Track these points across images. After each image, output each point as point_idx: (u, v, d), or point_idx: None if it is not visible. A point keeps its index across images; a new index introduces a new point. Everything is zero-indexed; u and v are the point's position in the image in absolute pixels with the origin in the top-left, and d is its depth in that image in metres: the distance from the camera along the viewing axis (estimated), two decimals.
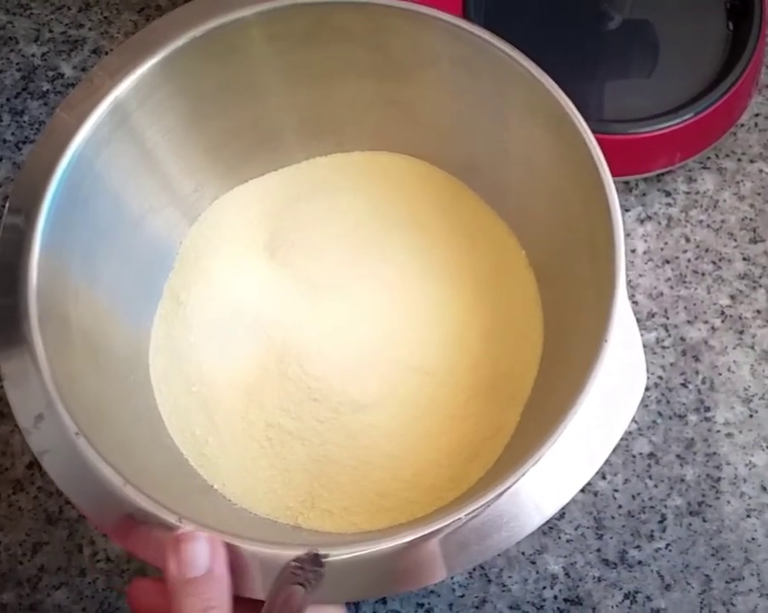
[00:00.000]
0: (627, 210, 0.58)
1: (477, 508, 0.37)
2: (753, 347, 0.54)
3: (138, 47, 0.47)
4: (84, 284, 0.45)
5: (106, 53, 0.65)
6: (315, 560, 0.33)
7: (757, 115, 0.61)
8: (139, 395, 0.48)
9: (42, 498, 0.52)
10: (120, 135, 0.46)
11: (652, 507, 0.51)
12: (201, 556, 0.36)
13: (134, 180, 0.48)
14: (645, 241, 0.57)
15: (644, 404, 0.53)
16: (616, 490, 0.51)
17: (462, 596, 0.50)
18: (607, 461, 0.40)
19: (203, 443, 0.47)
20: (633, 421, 0.52)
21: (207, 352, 0.49)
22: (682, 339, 0.55)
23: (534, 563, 0.50)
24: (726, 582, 0.49)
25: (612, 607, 0.49)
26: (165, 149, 0.49)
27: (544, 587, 0.50)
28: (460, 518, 0.37)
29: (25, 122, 0.62)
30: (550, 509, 0.38)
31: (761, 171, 0.59)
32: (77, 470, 0.38)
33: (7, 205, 0.43)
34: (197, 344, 0.50)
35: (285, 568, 0.34)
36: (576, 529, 0.51)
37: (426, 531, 0.36)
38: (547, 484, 0.38)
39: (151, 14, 0.67)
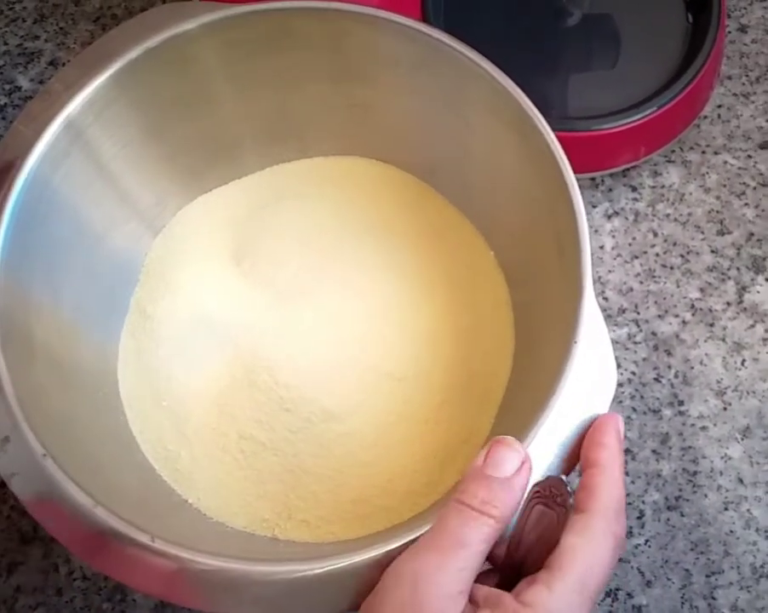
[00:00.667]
0: (594, 206, 0.58)
1: None
2: (724, 339, 0.54)
3: (93, 59, 0.46)
4: (47, 302, 0.44)
5: (64, 64, 0.65)
6: (557, 484, 0.33)
7: (719, 106, 0.61)
8: (108, 412, 0.47)
9: (15, 517, 0.51)
10: (77, 150, 0.45)
11: (630, 504, 0.51)
12: (508, 463, 0.35)
13: (94, 194, 0.47)
14: (613, 236, 0.57)
15: (617, 400, 0.53)
16: None
17: None
18: None
19: (175, 457, 0.47)
20: None
21: (176, 365, 0.49)
22: (653, 333, 0.55)
23: None
24: (707, 576, 0.49)
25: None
26: (124, 162, 0.48)
27: None
28: None
29: None
30: None
31: (726, 163, 0.60)
32: (46, 492, 0.38)
33: None
34: (166, 357, 0.49)
35: (530, 494, 0.34)
36: None
37: (402, 541, 0.36)
38: None
39: (107, 24, 0.66)
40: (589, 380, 0.39)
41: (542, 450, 0.38)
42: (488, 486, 0.35)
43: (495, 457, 0.36)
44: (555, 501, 0.33)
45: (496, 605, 0.33)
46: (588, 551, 0.34)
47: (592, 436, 0.38)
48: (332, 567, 0.36)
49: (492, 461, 0.36)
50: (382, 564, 0.35)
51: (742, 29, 0.64)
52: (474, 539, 0.34)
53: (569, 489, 0.32)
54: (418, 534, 0.36)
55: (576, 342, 0.39)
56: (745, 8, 0.65)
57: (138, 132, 0.48)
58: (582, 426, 0.38)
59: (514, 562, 0.35)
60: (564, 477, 0.32)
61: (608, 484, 0.36)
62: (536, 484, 0.33)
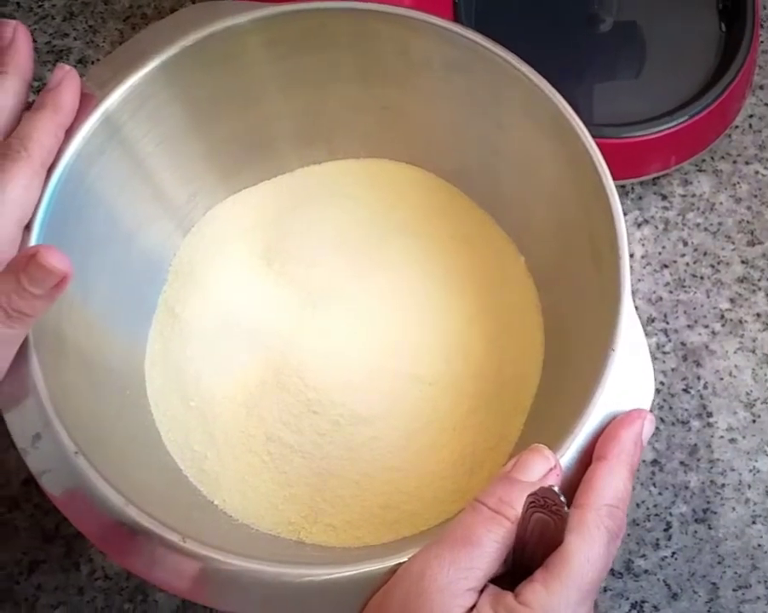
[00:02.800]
0: (623, 214, 0.57)
1: None
2: (753, 351, 0.54)
3: (126, 58, 0.46)
4: (78, 299, 0.44)
5: (92, 62, 0.65)
6: (550, 494, 0.33)
7: (751, 116, 0.61)
8: (135, 411, 0.47)
9: (38, 516, 0.51)
10: (112, 147, 0.45)
11: (657, 515, 0.50)
12: (535, 468, 0.36)
13: (128, 191, 0.47)
14: (643, 245, 0.57)
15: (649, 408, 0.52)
16: None
17: None
18: None
19: (202, 458, 0.46)
20: None
21: (204, 366, 0.49)
22: (683, 344, 0.54)
23: None
24: (733, 590, 0.49)
25: None
26: (158, 159, 0.48)
27: None
28: None
29: None
30: None
31: (757, 173, 0.59)
32: (77, 490, 0.38)
33: None
34: (194, 357, 0.49)
35: (526, 503, 0.34)
36: None
37: None
38: None
39: (136, 23, 0.66)
40: (626, 391, 0.39)
41: (575, 461, 0.38)
42: (509, 487, 0.35)
43: (523, 462, 0.36)
44: (551, 510, 0.33)
45: (496, 603, 0.33)
46: (583, 547, 0.34)
47: (608, 431, 0.38)
48: (361, 571, 0.36)
49: (519, 466, 0.36)
50: None
51: None
52: (486, 538, 0.34)
53: (561, 498, 0.32)
54: None
55: (613, 351, 0.38)
56: None
57: (173, 129, 0.48)
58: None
59: (522, 566, 0.35)
60: (555, 487, 0.32)
61: (607, 479, 0.36)
62: (530, 495, 0.33)
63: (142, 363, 0.49)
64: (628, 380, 0.39)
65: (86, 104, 0.44)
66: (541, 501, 0.32)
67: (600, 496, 0.35)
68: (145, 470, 0.44)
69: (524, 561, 0.35)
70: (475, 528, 0.34)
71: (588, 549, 0.34)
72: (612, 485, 0.36)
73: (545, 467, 0.36)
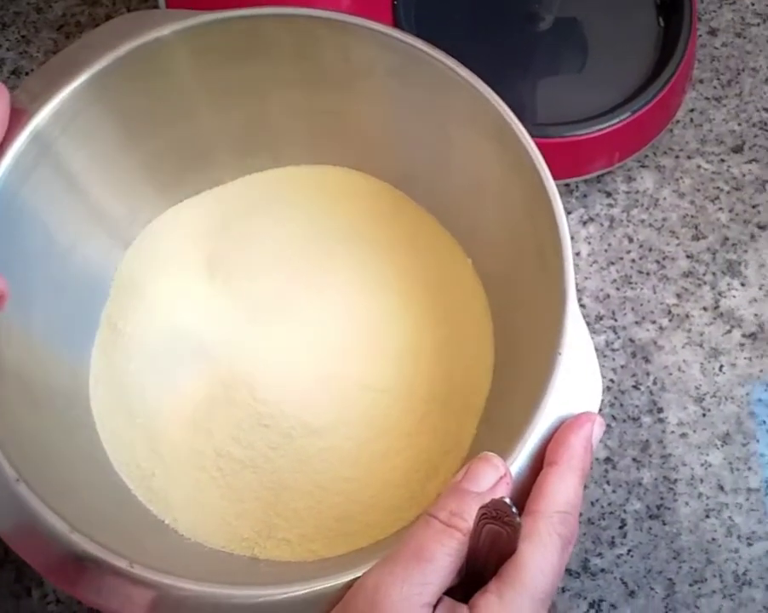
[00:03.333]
0: (569, 213, 0.58)
1: None
2: (701, 345, 0.54)
3: (59, 69, 0.45)
4: (16, 319, 0.43)
5: (26, 73, 0.63)
6: (501, 505, 0.32)
7: (692, 111, 0.61)
8: (81, 431, 0.46)
9: None
10: (44, 163, 0.44)
11: (612, 513, 0.51)
12: (485, 477, 0.36)
13: (63, 207, 0.46)
14: (589, 243, 0.57)
15: (598, 409, 0.52)
16: None
17: None
18: None
19: (149, 476, 0.46)
20: None
21: (149, 382, 0.48)
22: (631, 340, 0.55)
23: None
24: (689, 585, 0.49)
25: None
26: (93, 173, 0.47)
27: None
28: None
29: None
30: None
31: (699, 167, 0.59)
32: (19, 518, 0.37)
33: None
34: (139, 373, 0.48)
35: (478, 515, 0.33)
36: None
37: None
38: None
39: (70, 32, 0.65)
40: (574, 392, 0.39)
41: (527, 464, 0.38)
42: (460, 499, 0.35)
43: (473, 472, 0.36)
44: (503, 521, 0.32)
45: None
46: (536, 555, 0.34)
47: (557, 435, 0.38)
48: (315, 589, 0.35)
49: (469, 476, 0.36)
50: None
51: (713, 32, 0.64)
52: (439, 552, 0.33)
53: (513, 509, 0.31)
54: None
55: (560, 353, 0.38)
56: (714, 12, 0.65)
57: (108, 143, 0.47)
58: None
59: (476, 576, 0.35)
60: (507, 499, 0.32)
61: (558, 485, 0.36)
62: (482, 507, 0.32)
63: (86, 382, 0.47)
64: (576, 382, 0.39)
65: (17, 119, 0.42)
66: (492, 512, 0.32)
67: (552, 503, 0.35)
68: (93, 491, 0.43)
69: (478, 571, 0.34)
70: (428, 543, 0.34)
71: (541, 557, 0.34)
72: (563, 491, 0.36)
73: (495, 476, 0.36)
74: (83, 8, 0.65)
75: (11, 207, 0.42)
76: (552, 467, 0.36)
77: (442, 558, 0.33)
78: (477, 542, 0.33)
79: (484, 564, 0.34)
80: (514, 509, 0.31)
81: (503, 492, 0.35)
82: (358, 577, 0.35)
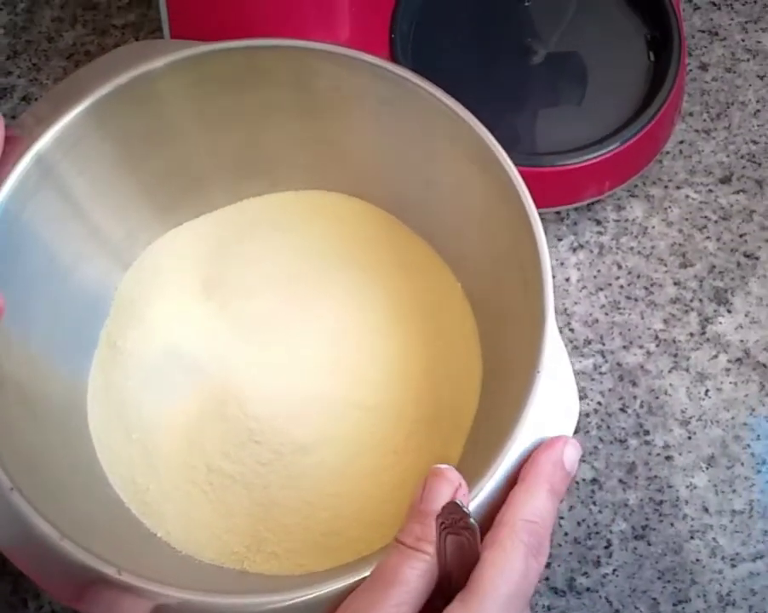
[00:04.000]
0: (559, 240, 0.59)
1: None
2: (687, 370, 0.55)
3: (65, 94, 0.47)
4: (17, 336, 0.44)
5: (36, 100, 0.65)
6: (453, 508, 0.33)
7: (681, 142, 0.63)
8: (77, 445, 0.47)
9: None
10: (47, 186, 0.45)
11: (597, 533, 0.51)
12: (442, 495, 0.36)
13: (64, 229, 0.47)
14: (579, 269, 0.58)
15: (584, 430, 0.54)
16: (561, 517, 0.52)
17: None
18: None
19: (144, 490, 0.47)
20: None
21: (146, 398, 0.49)
22: (619, 364, 0.56)
23: None
24: (674, 605, 0.50)
25: None
26: (94, 196, 0.49)
27: None
28: None
29: None
30: None
31: (687, 197, 0.61)
32: (13, 526, 0.38)
33: None
34: (136, 390, 0.49)
35: (438, 528, 0.34)
36: None
37: (369, 572, 0.36)
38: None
39: (80, 60, 0.67)
40: (552, 410, 0.40)
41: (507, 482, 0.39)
42: (422, 521, 0.36)
43: (429, 491, 0.37)
44: (459, 527, 0.34)
45: None
46: (496, 560, 0.35)
47: (531, 456, 0.39)
48: (300, 599, 0.36)
49: (427, 495, 0.37)
50: (347, 595, 0.36)
51: (703, 67, 0.66)
52: (410, 575, 0.35)
53: (465, 509, 0.32)
54: None
55: (538, 372, 0.39)
56: (705, 47, 0.66)
57: (108, 167, 0.48)
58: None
59: (450, 591, 0.36)
60: (456, 500, 0.33)
61: (524, 497, 0.37)
62: (438, 517, 0.34)
63: (84, 397, 0.49)
64: (554, 400, 0.40)
65: (16, 146, 0.44)
66: (449, 519, 0.33)
67: (516, 513, 0.36)
68: (87, 504, 0.44)
69: (453, 587, 0.35)
70: (399, 567, 0.35)
71: (502, 561, 0.35)
72: (529, 502, 0.37)
73: (450, 490, 0.37)
74: (93, 38, 0.67)
75: (14, 227, 0.44)
76: (520, 484, 0.38)
77: (414, 580, 0.35)
78: (444, 557, 0.35)
79: (457, 578, 0.35)
80: (465, 508, 0.32)
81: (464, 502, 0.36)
82: (341, 587, 0.36)
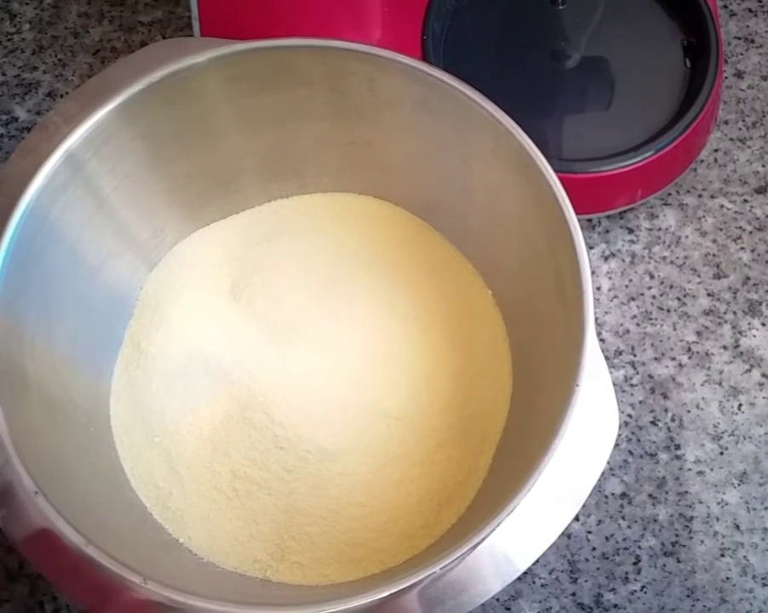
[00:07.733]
0: (590, 248, 0.58)
1: (452, 561, 0.36)
2: (720, 383, 0.54)
3: (93, 92, 0.46)
4: (41, 336, 0.44)
5: (61, 96, 0.64)
6: None
7: (716, 150, 0.62)
8: (100, 447, 0.46)
9: (1, 554, 0.50)
10: (75, 183, 0.45)
11: (626, 549, 0.50)
12: None
13: (91, 227, 0.47)
14: (610, 278, 0.57)
15: (614, 444, 0.52)
16: (589, 532, 0.51)
17: None
18: None
19: (167, 495, 0.46)
20: None
21: (169, 401, 0.48)
22: (650, 376, 0.55)
23: (509, 609, 0.49)
24: None
25: None
26: (122, 195, 0.48)
27: None
28: (434, 572, 0.36)
29: None
30: (527, 559, 0.38)
31: (722, 207, 0.60)
32: (37, 530, 0.37)
33: None
34: (160, 392, 0.49)
35: None
36: (550, 572, 0.50)
37: (402, 586, 0.35)
38: (524, 533, 0.38)
39: (106, 57, 0.66)
40: (591, 425, 0.39)
41: (542, 497, 0.38)
42: None
43: None
44: None
45: None
46: None
47: None
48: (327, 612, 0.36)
49: None
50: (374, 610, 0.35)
51: (739, 75, 0.64)
52: None
53: None
54: (413, 580, 0.35)
55: (577, 386, 0.38)
56: (741, 54, 0.65)
57: (138, 166, 0.48)
58: None
59: None
60: None
61: None
62: None
63: (107, 399, 0.48)
64: (594, 415, 0.39)
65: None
66: None
67: None
68: (109, 507, 0.44)
69: None
70: None
71: None
72: None
73: None
74: (120, 35, 0.67)
75: (42, 225, 0.43)
76: None
77: None
78: None
79: None
80: None
81: None
82: (370, 602, 0.35)
